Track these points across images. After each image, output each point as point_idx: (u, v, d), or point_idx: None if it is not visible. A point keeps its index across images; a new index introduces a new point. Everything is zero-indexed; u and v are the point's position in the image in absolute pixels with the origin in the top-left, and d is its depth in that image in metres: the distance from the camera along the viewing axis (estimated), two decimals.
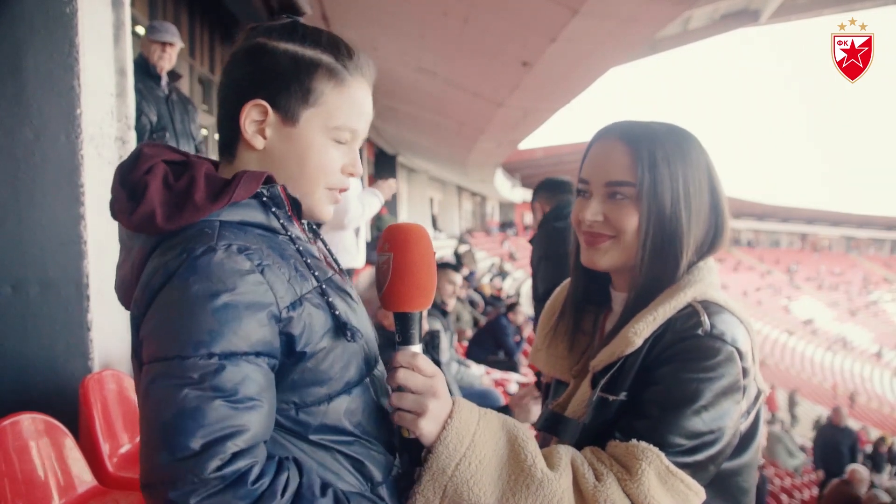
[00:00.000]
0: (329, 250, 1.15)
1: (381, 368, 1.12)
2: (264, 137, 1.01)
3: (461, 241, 25.47)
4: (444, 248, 19.54)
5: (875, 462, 11.83)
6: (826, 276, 48.52)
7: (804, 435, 18.77)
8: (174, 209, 0.93)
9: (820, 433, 10.85)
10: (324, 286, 0.99)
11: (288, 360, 0.94)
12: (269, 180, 1.01)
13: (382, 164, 19.08)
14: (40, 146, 2.45)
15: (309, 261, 1.00)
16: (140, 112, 3.44)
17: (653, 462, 1.04)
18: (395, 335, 1.04)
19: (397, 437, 1.07)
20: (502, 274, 19.76)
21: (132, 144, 2.95)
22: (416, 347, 1.03)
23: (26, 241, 2.46)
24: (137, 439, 2.39)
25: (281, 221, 1.00)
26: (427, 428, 0.99)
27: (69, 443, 1.85)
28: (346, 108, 1.03)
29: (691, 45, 16.15)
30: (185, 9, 7.18)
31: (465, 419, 1.01)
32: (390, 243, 1.02)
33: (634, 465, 1.04)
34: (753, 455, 1.19)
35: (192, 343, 0.85)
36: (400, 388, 1.00)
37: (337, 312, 0.98)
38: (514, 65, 8.21)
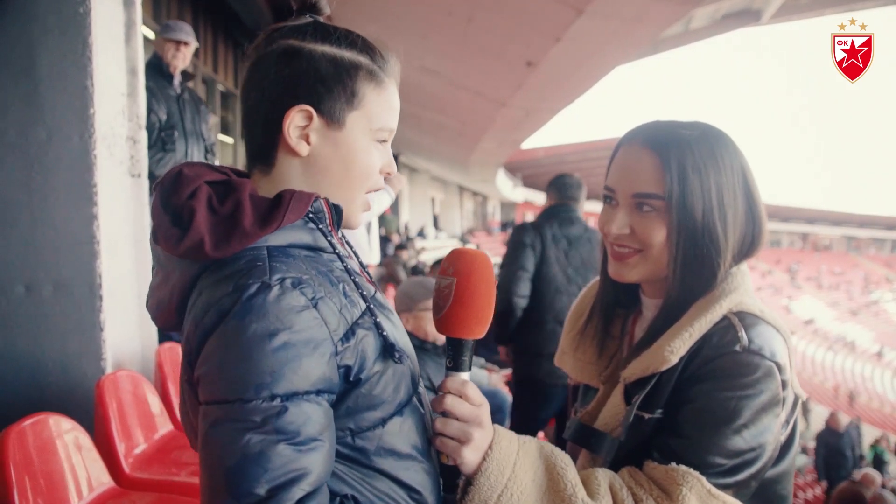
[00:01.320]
0: (363, 265, 1.13)
1: (422, 386, 1.10)
2: (308, 143, 0.98)
3: (463, 240, 25.49)
4: (445, 248, 19.54)
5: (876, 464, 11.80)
6: (827, 276, 48.54)
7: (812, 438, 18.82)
8: (223, 236, 0.90)
9: (820, 440, 10.81)
10: (371, 306, 0.97)
11: (343, 388, 0.92)
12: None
13: None
14: (53, 146, 2.44)
15: (356, 279, 0.98)
16: (149, 110, 3.44)
17: (694, 487, 1.02)
18: (445, 353, 1.02)
19: (436, 462, 1.05)
20: None
21: (143, 144, 2.95)
22: (466, 375, 1.01)
23: (39, 242, 2.46)
24: (151, 441, 2.41)
25: (328, 239, 0.98)
26: (469, 457, 0.98)
27: (87, 443, 1.84)
28: (385, 108, 1.02)
29: (694, 45, 16.15)
30: (189, 9, 7.18)
31: (506, 449, 1.00)
32: (454, 268, 1.00)
33: (675, 490, 1.03)
34: (791, 462, 1.17)
35: (253, 385, 0.83)
36: (445, 414, 0.99)
37: (385, 334, 0.96)
38: (518, 64, 8.21)
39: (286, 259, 0.92)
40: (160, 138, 3.59)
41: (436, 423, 1.00)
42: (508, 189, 29.44)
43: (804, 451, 13.53)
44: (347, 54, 0.99)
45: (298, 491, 0.82)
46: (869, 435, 16.87)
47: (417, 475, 1.00)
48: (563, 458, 1.05)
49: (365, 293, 0.98)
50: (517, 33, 7.44)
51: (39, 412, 1.71)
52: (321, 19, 1.04)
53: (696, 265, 1.13)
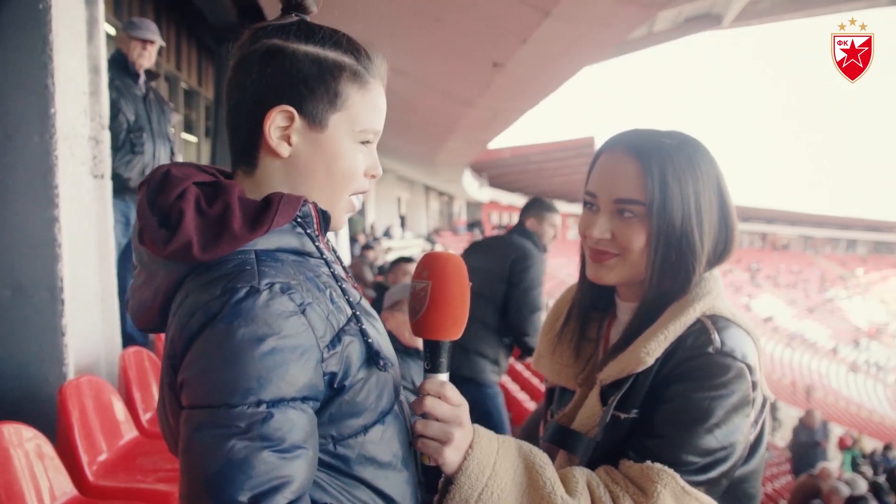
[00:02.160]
0: (346, 269, 1.12)
1: (403, 395, 1.10)
2: (290, 144, 0.97)
3: (429, 240, 25.49)
4: (411, 248, 19.53)
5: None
6: (785, 275, 49.66)
7: (784, 438, 19.22)
8: (211, 239, 0.88)
9: (795, 437, 11.02)
10: (357, 313, 0.96)
11: (327, 395, 0.91)
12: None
13: None
14: (13, 146, 2.38)
15: (343, 286, 0.98)
16: (118, 110, 3.36)
17: (668, 484, 1.04)
18: (421, 356, 1.03)
19: (417, 464, 1.05)
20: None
21: (106, 144, 2.89)
22: (444, 376, 1.02)
23: None
24: (115, 448, 2.36)
25: (316, 244, 0.97)
26: (451, 457, 0.99)
27: (49, 452, 1.79)
28: (369, 109, 1.01)
29: (658, 47, 16.38)
30: (151, 5, 7.06)
31: (486, 448, 1.02)
32: (429, 271, 1.01)
33: (650, 487, 1.05)
34: (760, 461, 1.20)
35: (239, 391, 0.82)
36: (424, 416, 1.00)
37: (370, 341, 0.95)
38: (486, 65, 8.23)
39: (274, 263, 0.91)
40: (128, 140, 3.50)
41: (416, 425, 1.00)
42: (474, 189, 29.54)
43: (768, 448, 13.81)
44: (331, 54, 0.98)
45: (282, 499, 0.81)
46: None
47: (397, 485, 1.00)
48: (541, 457, 1.07)
49: (351, 300, 0.97)
50: (484, 34, 7.46)
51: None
52: (307, 18, 1.03)
53: (673, 270, 1.16)
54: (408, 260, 5.26)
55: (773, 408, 19.62)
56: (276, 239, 0.94)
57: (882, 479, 9.65)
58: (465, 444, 1.00)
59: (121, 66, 3.52)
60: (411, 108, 12.09)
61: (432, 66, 9.29)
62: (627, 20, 6.72)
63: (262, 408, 0.82)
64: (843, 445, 14.93)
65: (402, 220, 28.58)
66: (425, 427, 0.99)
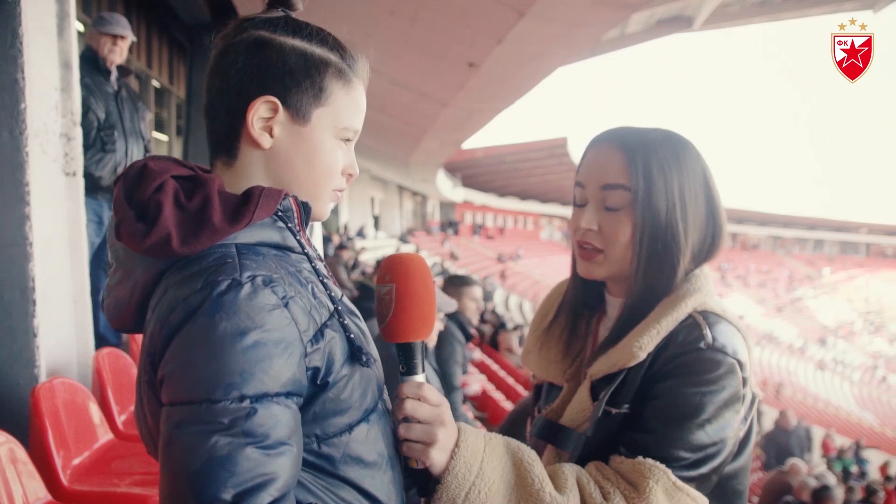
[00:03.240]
0: (327, 267, 1.11)
1: (387, 393, 1.09)
2: (272, 136, 0.96)
3: (403, 240, 25.46)
4: (384, 248, 19.48)
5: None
6: (754, 274, 50.43)
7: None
8: (191, 232, 0.87)
9: (769, 438, 11.13)
10: (339, 308, 0.95)
11: (311, 392, 0.89)
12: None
13: None
14: None
15: (324, 280, 0.97)
16: (87, 108, 3.28)
17: (660, 479, 1.04)
18: (397, 360, 1.02)
19: (404, 468, 1.04)
20: (444, 273, 19.80)
21: (78, 141, 2.82)
22: (420, 377, 1.02)
23: None
24: (89, 451, 2.30)
25: (297, 238, 0.96)
26: (437, 457, 0.99)
27: (22, 456, 1.74)
28: (351, 108, 1.01)
29: (629, 49, 16.56)
30: (122, 3, 6.94)
31: (472, 446, 1.01)
32: (392, 274, 1.00)
33: (642, 482, 1.05)
34: (748, 458, 1.20)
35: (222, 386, 0.80)
36: (406, 420, 0.99)
37: (352, 336, 0.94)
38: (461, 65, 8.24)
39: (256, 257, 0.89)
40: (99, 138, 3.42)
41: (399, 429, 1.00)
42: (448, 189, 29.55)
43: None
44: (318, 50, 0.98)
45: (266, 496, 0.79)
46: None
47: (383, 485, 0.98)
48: (529, 454, 1.06)
49: (333, 295, 0.96)
50: (460, 34, 7.47)
51: None
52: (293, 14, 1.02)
53: (658, 263, 1.16)
54: (463, 280, 5.10)
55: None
56: (256, 233, 0.92)
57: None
58: (451, 443, 1.00)
59: (91, 62, 3.44)
60: (385, 107, 12.06)
61: (407, 65, 9.28)
62: (602, 21, 6.76)
63: (246, 403, 0.80)
64: (826, 451, 15.01)
65: (376, 220, 28.52)
66: (408, 430, 0.99)
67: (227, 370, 0.80)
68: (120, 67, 3.59)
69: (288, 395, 0.84)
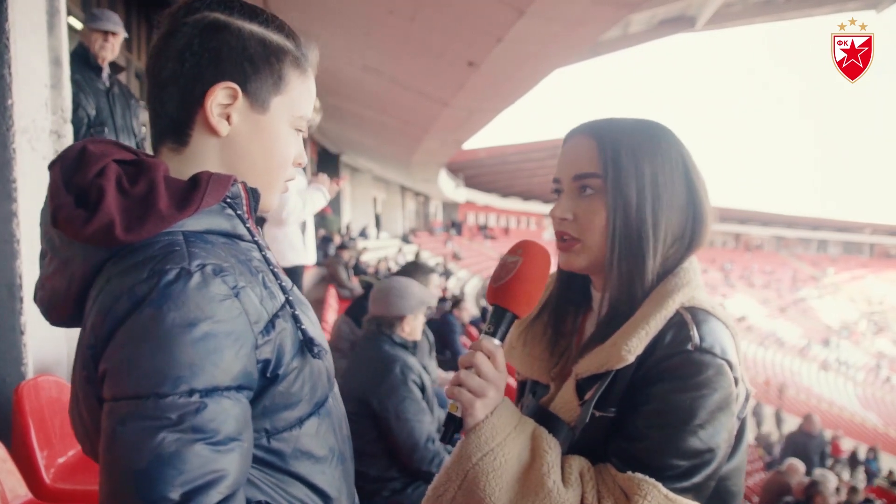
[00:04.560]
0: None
1: (336, 387, 1.07)
2: (229, 123, 0.93)
3: (405, 240, 25.44)
4: (386, 249, 19.46)
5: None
6: (758, 275, 50.29)
7: (749, 427, 19.35)
8: (135, 219, 0.82)
9: (790, 440, 11.04)
10: (290, 298, 0.92)
11: (261, 385, 0.87)
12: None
13: (326, 164, 18.87)
14: None
15: (275, 269, 0.94)
16: (77, 105, 3.27)
17: (649, 493, 1.02)
18: (489, 319, 1.11)
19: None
20: (447, 273, 19.77)
21: (68, 139, 2.81)
22: (498, 343, 1.09)
23: None
24: (76, 450, 2.29)
25: (246, 226, 0.93)
26: (479, 411, 1.05)
27: (1, 454, 1.73)
28: (306, 97, 0.99)
29: (632, 49, 16.53)
30: (122, 1, 6.94)
31: (506, 419, 1.07)
32: (524, 250, 1.11)
33: (633, 499, 1.03)
34: (742, 458, 1.17)
35: (170, 379, 0.76)
36: (469, 369, 1.06)
37: (303, 328, 0.91)
38: (460, 64, 8.21)
39: (204, 245, 0.86)
40: (89, 135, 3.41)
41: (459, 374, 1.05)
42: (451, 189, 29.52)
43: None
44: (275, 37, 0.96)
45: (216, 494, 0.77)
46: (793, 423, 17.46)
47: (333, 479, 0.97)
48: (549, 441, 1.08)
49: (284, 285, 0.93)
50: (459, 33, 7.44)
51: None
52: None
53: (633, 249, 1.14)
54: (430, 269, 4.97)
55: (760, 409, 19.79)
56: (204, 220, 0.89)
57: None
58: (493, 406, 1.06)
59: (82, 59, 3.42)
60: (386, 107, 12.05)
61: (407, 65, 9.27)
62: (601, 20, 6.73)
63: (195, 397, 0.77)
64: (836, 453, 14.82)
65: (378, 220, 28.50)
66: (467, 377, 1.05)
67: (176, 363, 0.77)
68: (112, 64, 3.57)
69: (238, 388, 0.82)
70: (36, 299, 0.97)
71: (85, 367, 0.84)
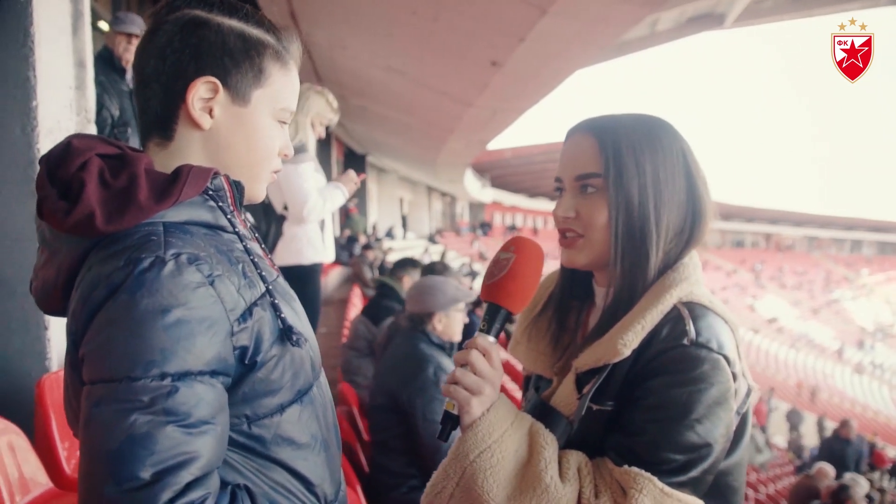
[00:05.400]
0: (265, 249, 1.11)
1: (324, 376, 1.09)
2: (211, 116, 0.96)
3: (431, 241, 25.47)
4: (412, 249, 19.51)
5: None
6: (789, 276, 49.49)
7: (779, 430, 19.01)
8: (115, 210, 0.86)
9: (826, 445, 10.83)
10: (270, 288, 0.94)
11: (239, 372, 0.89)
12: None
13: (352, 164, 18.97)
14: None
15: (256, 260, 0.96)
16: (101, 105, 3.34)
17: (645, 487, 1.02)
18: (482, 317, 1.12)
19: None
20: (472, 274, 19.72)
21: None
22: (493, 339, 1.10)
23: None
24: None
25: (228, 217, 0.96)
26: (475, 409, 1.06)
27: (23, 444, 1.78)
28: (288, 89, 1.02)
29: (659, 47, 16.37)
30: (150, 2, 7.06)
31: (502, 415, 1.07)
32: (517, 247, 1.12)
33: (629, 492, 1.03)
34: (743, 453, 1.17)
35: (142, 363, 0.79)
36: (464, 367, 1.07)
37: (283, 316, 0.93)
38: (483, 64, 8.20)
39: (183, 235, 0.88)
40: (113, 135, 3.49)
41: (454, 373, 1.06)
42: (477, 189, 29.50)
43: (768, 445, 13.72)
44: (255, 31, 0.98)
45: (186, 475, 0.79)
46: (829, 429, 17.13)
47: (315, 467, 0.99)
48: (546, 437, 1.09)
49: (265, 275, 0.95)
50: (482, 33, 7.44)
51: None
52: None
53: (635, 245, 1.15)
54: (414, 263, 4.97)
55: (798, 417, 19.38)
56: (186, 211, 0.92)
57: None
58: (490, 403, 1.07)
59: (107, 61, 3.50)
60: (410, 107, 12.08)
61: (430, 65, 9.28)
62: (625, 18, 6.68)
63: (167, 381, 0.80)
64: (880, 463, 14.36)
65: (404, 220, 28.58)
66: (463, 375, 1.06)
67: (148, 347, 0.80)
68: None
69: (213, 373, 0.84)
70: (31, 290, 1.00)
71: (69, 353, 0.88)
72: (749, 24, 17.47)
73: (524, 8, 6.32)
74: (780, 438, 18.75)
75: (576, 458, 1.09)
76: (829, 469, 7.38)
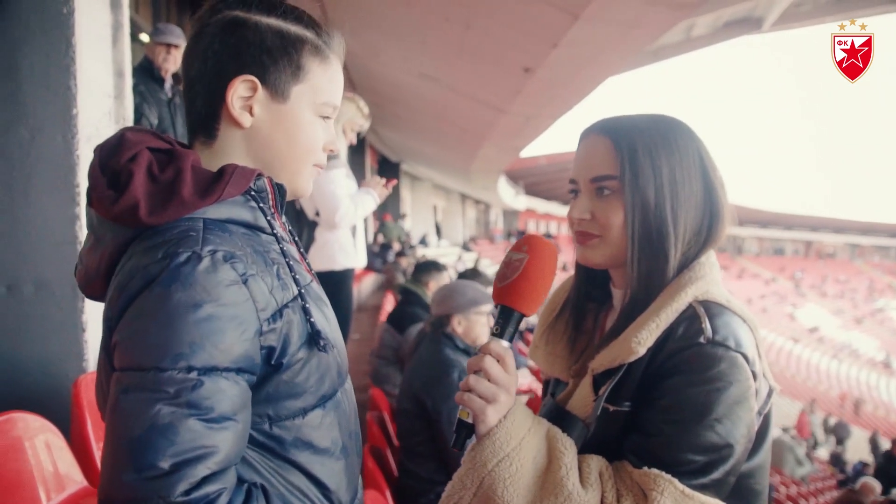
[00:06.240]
0: (303, 253, 1.12)
1: (349, 383, 1.09)
2: (251, 114, 0.98)
3: (465, 248, 25.47)
4: (446, 256, 19.54)
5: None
6: (831, 284, 48.35)
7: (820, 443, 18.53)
8: (159, 203, 0.88)
9: (881, 468, 10.49)
10: (302, 292, 0.96)
11: (265, 372, 0.90)
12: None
13: (386, 172, 19.05)
14: (36, 146, 2.44)
15: (291, 263, 0.97)
16: (140, 114, 3.43)
17: (665, 489, 1.01)
18: (495, 320, 1.10)
19: (455, 419, 1.08)
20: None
21: None
22: (507, 344, 1.08)
23: (21, 242, 2.45)
24: None
25: (267, 218, 0.97)
26: (491, 417, 1.03)
27: (59, 443, 1.82)
28: (329, 84, 1.02)
29: (694, 53, 16.17)
30: (189, 14, 7.21)
31: (519, 422, 1.05)
32: (529, 247, 1.09)
33: (649, 494, 1.02)
34: (765, 456, 1.15)
35: (170, 355, 0.81)
36: (478, 373, 1.04)
37: (312, 320, 0.94)
38: (516, 70, 8.20)
39: (221, 233, 0.90)
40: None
41: (468, 379, 1.04)
42: (510, 197, 29.43)
43: (808, 458, 13.40)
44: (293, 28, 1.00)
45: (204, 469, 0.80)
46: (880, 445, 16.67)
47: (333, 472, 0.99)
48: (564, 442, 1.07)
49: (299, 278, 0.96)
50: (514, 39, 7.44)
51: (8, 411, 1.70)
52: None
53: (652, 246, 1.14)
54: (438, 266, 4.96)
55: (846, 431, 18.88)
56: (227, 210, 0.93)
57: None
58: (506, 410, 1.04)
59: (146, 71, 3.60)
60: (443, 115, 12.11)
61: (463, 72, 9.30)
62: (658, 23, 6.62)
63: (193, 374, 0.81)
64: None
65: (438, 228, 28.63)
66: (477, 382, 1.04)
67: (178, 340, 0.81)
68: (175, 75, 3.74)
69: (238, 371, 0.85)
70: (76, 273, 1.04)
71: (104, 339, 0.91)
72: (789, 28, 17.18)
73: (557, 14, 6.30)
74: (822, 451, 18.29)
75: (596, 462, 1.07)
76: (874, 484, 7.17)
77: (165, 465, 0.79)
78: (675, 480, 1.01)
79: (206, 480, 0.81)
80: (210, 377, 0.82)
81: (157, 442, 0.79)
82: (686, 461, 1.02)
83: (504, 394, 1.04)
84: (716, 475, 1.03)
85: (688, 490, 1.01)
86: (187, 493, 0.79)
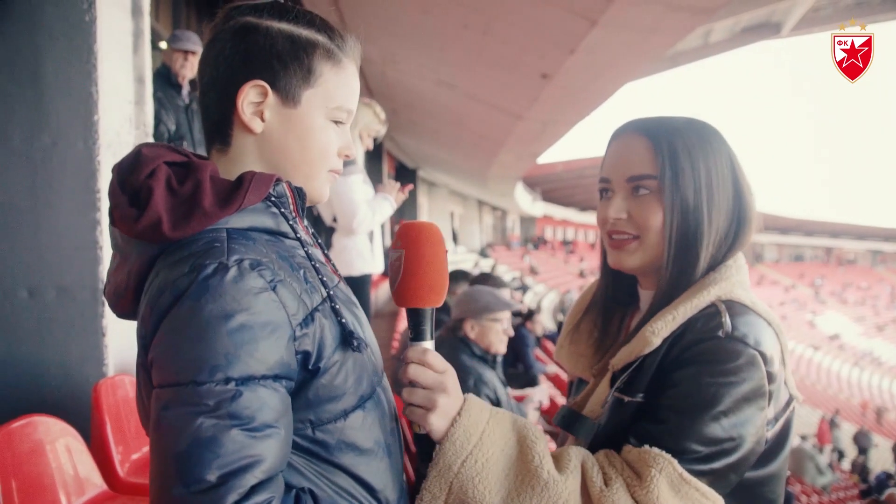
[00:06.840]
0: (328, 255, 1.11)
1: (386, 381, 1.09)
2: (262, 120, 0.97)
3: (482, 254, 25.46)
4: (463, 263, 19.53)
5: None
6: (852, 291, 47.75)
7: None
8: (181, 217, 0.88)
9: None
10: (331, 293, 0.95)
11: (302, 377, 0.90)
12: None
13: (403, 179, 19.10)
14: (58, 152, 2.47)
15: (317, 265, 0.97)
16: (158, 120, 3.46)
17: (664, 469, 1.00)
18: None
19: (412, 433, 1.05)
20: (523, 288, 19.66)
21: None
22: (428, 344, 1.02)
23: (43, 247, 2.48)
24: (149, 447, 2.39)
25: (290, 223, 0.97)
26: (436, 423, 0.99)
27: (79, 446, 1.83)
28: (342, 88, 1.01)
29: (712, 59, 16.10)
30: (208, 21, 7.28)
31: (475, 417, 1.01)
32: (402, 240, 1.01)
33: (645, 471, 1.00)
34: (781, 465, 1.13)
35: (207, 368, 0.80)
36: (412, 384, 1.00)
37: (344, 321, 0.94)
38: (534, 77, 8.19)
39: (246, 241, 0.90)
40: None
41: (403, 393, 1.01)
42: (528, 203, 29.39)
43: (831, 466, 13.21)
44: (304, 32, 0.99)
45: (251, 478, 0.80)
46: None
47: (378, 472, 0.98)
48: (534, 432, 1.05)
49: (326, 280, 0.96)
50: (532, 45, 7.43)
51: (30, 415, 1.71)
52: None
53: (686, 247, 1.13)
54: (465, 275, 4.94)
55: (868, 441, 18.62)
56: (248, 218, 0.93)
57: None
58: (453, 411, 1.00)
59: (164, 78, 3.63)
60: (461, 121, 12.14)
61: (480, 78, 9.31)
62: (675, 29, 6.59)
63: (231, 385, 0.81)
64: None
65: (455, 234, 28.65)
66: (410, 394, 1.00)
67: (213, 352, 0.81)
68: (192, 82, 3.77)
69: (276, 378, 0.85)
70: (105, 293, 1.03)
71: (140, 356, 0.90)
72: (808, 33, 17.05)
73: (574, 20, 6.30)
74: (844, 460, 18.04)
75: (578, 453, 1.06)
76: None
77: (213, 477, 0.78)
78: (675, 462, 1.00)
79: (255, 490, 0.80)
80: (248, 386, 0.82)
81: (203, 455, 0.78)
82: (689, 450, 1.01)
83: (441, 395, 0.99)
84: (716, 466, 1.02)
85: (686, 474, 1.00)
86: (237, 503, 0.79)
